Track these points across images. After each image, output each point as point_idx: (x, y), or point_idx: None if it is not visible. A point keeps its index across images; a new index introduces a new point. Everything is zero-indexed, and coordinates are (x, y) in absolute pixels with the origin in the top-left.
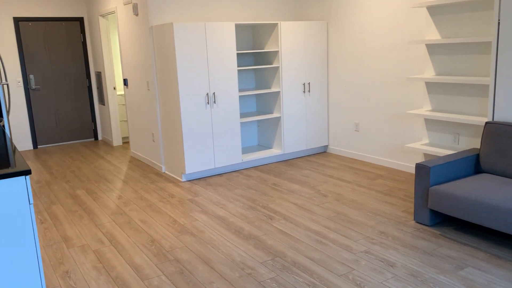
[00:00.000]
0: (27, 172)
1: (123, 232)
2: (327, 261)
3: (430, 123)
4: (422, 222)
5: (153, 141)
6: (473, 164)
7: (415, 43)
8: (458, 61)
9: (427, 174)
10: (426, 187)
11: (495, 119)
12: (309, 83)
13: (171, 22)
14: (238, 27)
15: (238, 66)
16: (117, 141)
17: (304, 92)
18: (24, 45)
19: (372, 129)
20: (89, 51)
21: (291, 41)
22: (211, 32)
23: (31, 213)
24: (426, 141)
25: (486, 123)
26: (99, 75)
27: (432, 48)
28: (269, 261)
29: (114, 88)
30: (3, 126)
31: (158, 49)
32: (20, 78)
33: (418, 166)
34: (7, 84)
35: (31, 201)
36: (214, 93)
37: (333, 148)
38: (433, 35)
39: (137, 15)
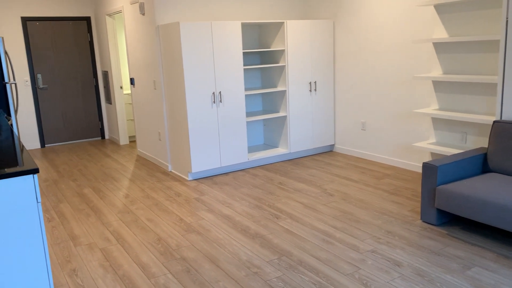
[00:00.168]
0: (35, 171)
1: (129, 230)
2: (334, 260)
3: (437, 122)
4: (429, 222)
5: (160, 140)
6: (480, 163)
7: (422, 41)
8: (465, 59)
9: (434, 173)
10: (433, 187)
11: (503, 118)
12: (315, 82)
13: (177, 21)
14: (244, 26)
15: (244, 65)
16: (123, 140)
17: (310, 91)
18: (31, 45)
19: (379, 128)
20: (96, 50)
21: (297, 40)
22: (217, 31)
23: (39, 211)
24: (433, 140)
25: (494, 122)
26: (106, 74)
27: (439, 47)
28: (275, 260)
29: (121, 87)
30: (11, 125)
31: (164, 48)
32: (28, 78)
33: (425, 165)
34: (15, 83)
35: (39, 199)
36: (220, 92)
37: (340, 147)
38: (441, 34)
39: (143, 14)
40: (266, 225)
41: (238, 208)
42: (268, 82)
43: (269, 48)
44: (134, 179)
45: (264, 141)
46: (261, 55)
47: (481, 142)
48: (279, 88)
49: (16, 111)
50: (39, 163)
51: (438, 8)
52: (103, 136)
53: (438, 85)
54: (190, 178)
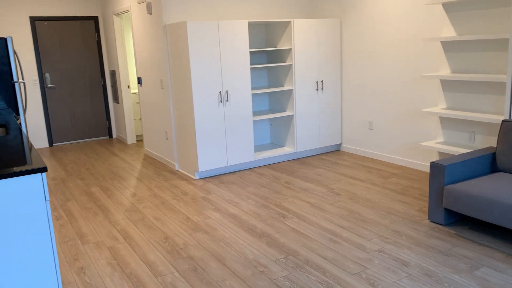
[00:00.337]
0: (43, 170)
1: (137, 229)
2: (340, 259)
3: (445, 121)
4: (437, 221)
5: (167, 139)
6: (489, 163)
7: (430, 40)
8: (474, 58)
9: (442, 173)
10: (441, 186)
11: None
12: (322, 81)
13: (184, 20)
14: (251, 25)
15: (250, 64)
16: (131, 139)
17: (317, 90)
18: (40, 44)
19: (386, 127)
20: (103, 50)
21: (304, 39)
22: (224, 30)
23: (47, 209)
24: (441, 139)
25: (503, 121)
26: (113, 74)
27: (448, 46)
28: (282, 259)
29: (128, 87)
30: (20, 124)
31: (171, 47)
32: (36, 77)
33: (433, 165)
34: (24, 83)
35: (47, 198)
36: (227, 91)
37: (347, 146)
38: (449, 32)
39: (151, 14)
40: (273, 224)
41: (244, 207)
42: (274, 81)
43: (276, 47)
44: (141, 178)
45: (270, 140)
46: (268, 54)
47: (490, 141)
48: (285, 87)
49: (24, 110)
50: (47, 162)
51: (446, 6)
52: (110, 135)
53: (446, 84)
54: (197, 177)
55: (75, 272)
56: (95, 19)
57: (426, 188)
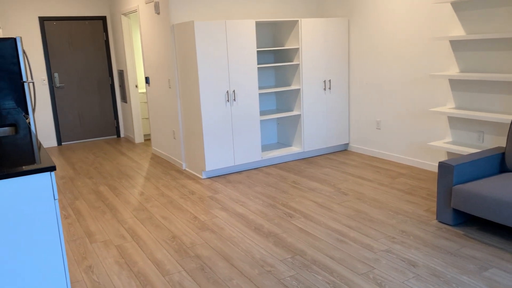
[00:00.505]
0: (52, 168)
1: (144, 228)
2: (348, 259)
3: (453, 121)
4: (445, 222)
5: (174, 138)
6: (498, 163)
7: (439, 39)
8: (483, 57)
9: (451, 173)
10: (449, 186)
11: None
12: (329, 81)
13: (192, 20)
14: (258, 25)
15: (258, 64)
16: (139, 138)
17: (324, 89)
18: (49, 44)
19: (394, 127)
20: (111, 49)
21: (311, 38)
22: (231, 30)
23: (56, 208)
24: (450, 139)
25: None
26: (121, 73)
27: (456, 45)
28: (289, 259)
29: (136, 86)
30: (29, 123)
31: (179, 47)
32: (45, 76)
33: (441, 165)
34: (33, 82)
35: (56, 196)
36: (234, 91)
37: (354, 146)
38: (458, 31)
39: (158, 13)
40: (280, 223)
41: (251, 206)
42: (282, 80)
43: (283, 46)
44: (149, 177)
45: (277, 140)
46: (275, 54)
47: (499, 141)
48: (293, 87)
49: (33, 110)
50: (56, 161)
51: (455, 5)
52: (118, 135)
53: (454, 83)
54: (204, 177)
55: (83, 271)
56: (103, 19)
57: (434, 188)
